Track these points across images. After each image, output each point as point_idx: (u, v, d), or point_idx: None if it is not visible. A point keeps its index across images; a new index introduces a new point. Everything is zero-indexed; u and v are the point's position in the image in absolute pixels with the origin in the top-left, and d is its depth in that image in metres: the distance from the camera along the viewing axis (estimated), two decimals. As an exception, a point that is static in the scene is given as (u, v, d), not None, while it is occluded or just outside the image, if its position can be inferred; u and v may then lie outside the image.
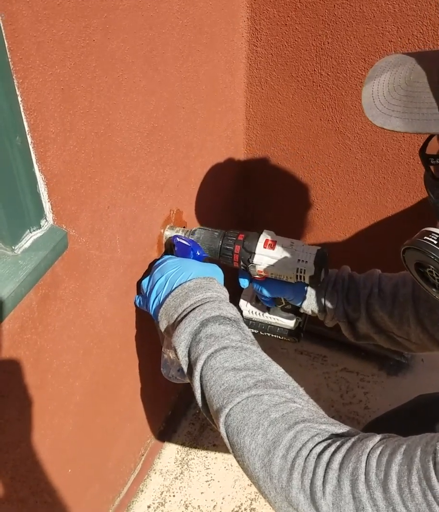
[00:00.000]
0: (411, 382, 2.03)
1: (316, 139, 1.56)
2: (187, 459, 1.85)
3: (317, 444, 0.86)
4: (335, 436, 0.88)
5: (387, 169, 1.54)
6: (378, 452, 0.81)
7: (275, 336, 1.40)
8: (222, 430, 0.94)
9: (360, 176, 1.58)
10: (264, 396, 0.93)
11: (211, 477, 1.81)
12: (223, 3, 1.27)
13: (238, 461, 0.93)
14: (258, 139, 1.62)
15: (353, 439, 0.85)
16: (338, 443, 0.85)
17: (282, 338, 1.41)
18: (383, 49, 1.32)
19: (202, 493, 1.78)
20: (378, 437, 0.85)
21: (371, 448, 0.82)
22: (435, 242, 0.83)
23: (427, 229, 0.85)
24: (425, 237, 0.84)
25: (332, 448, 0.85)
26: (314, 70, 1.42)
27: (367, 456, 0.81)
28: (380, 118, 0.79)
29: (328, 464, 0.83)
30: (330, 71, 1.41)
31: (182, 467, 1.83)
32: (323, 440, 0.87)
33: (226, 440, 0.94)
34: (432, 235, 0.84)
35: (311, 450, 0.86)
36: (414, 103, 0.76)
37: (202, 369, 0.99)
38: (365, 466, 0.80)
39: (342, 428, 0.90)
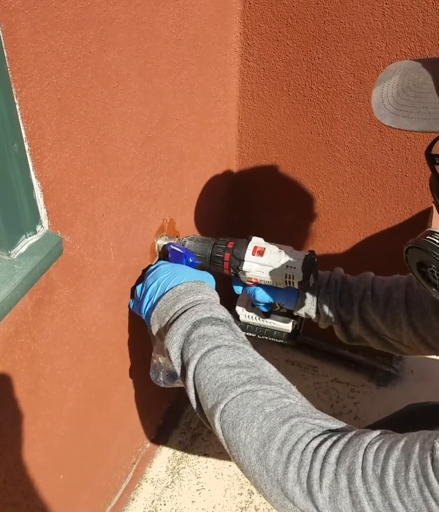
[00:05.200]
0: (400, 392, 2.04)
1: (307, 152, 1.59)
2: (178, 468, 1.86)
3: (313, 439, 0.88)
4: (330, 431, 0.90)
5: (376, 181, 1.57)
6: (375, 447, 0.83)
7: (272, 339, 1.41)
8: (217, 426, 0.95)
9: (350, 188, 1.61)
10: (258, 392, 0.95)
11: (202, 486, 1.82)
12: (217, 18, 1.31)
13: (233, 457, 0.95)
14: (250, 151, 1.65)
15: (350, 434, 0.87)
16: (334, 438, 0.87)
17: (280, 341, 1.42)
18: (372, 65, 1.36)
19: (193, 502, 1.79)
20: (375, 433, 0.87)
21: (369, 443, 0.84)
22: (438, 241, 0.84)
23: (430, 229, 0.86)
24: (428, 237, 0.85)
25: (328, 443, 0.87)
26: (305, 85, 1.46)
27: (364, 451, 0.83)
28: (388, 117, 0.81)
29: (325, 458, 0.85)
30: (321, 85, 1.44)
31: (173, 476, 1.84)
32: (319, 435, 0.89)
33: (221, 437, 0.95)
34: (435, 235, 0.85)
35: (307, 444, 0.88)
36: (421, 103, 0.78)
37: (195, 369, 1.01)
38: (362, 461, 0.82)
39: (336, 424, 0.92)
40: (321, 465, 0.85)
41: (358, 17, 1.30)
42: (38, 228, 0.97)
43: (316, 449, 0.87)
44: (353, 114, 1.46)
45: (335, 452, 0.85)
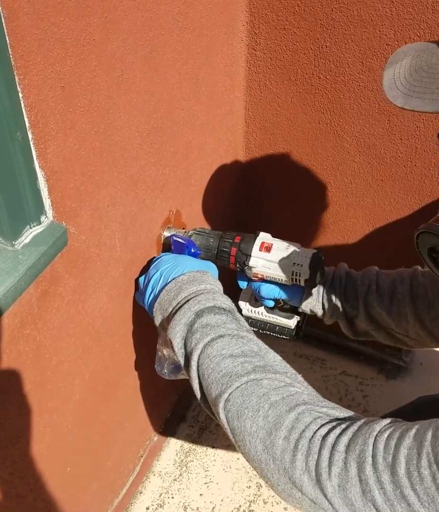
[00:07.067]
0: (409, 385, 2.03)
1: (315, 142, 1.57)
2: (186, 461, 1.85)
3: (321, 427, 0.87)
4: (338, 420, 0.89)
5: (385, 172, 1.55)
6: (386, 435, 0.82)
7: (274, 334, 1.41)
8: (222, 416, 0.94)
9: (358, 179, 1.60)
10: (263, 380, 0.94)
11: (210, 479, 1.82)
12: (223, 6, 1.29)
13: (239, 446, 0.93)
14: (257, 142, 1.64)
15: (359, 423, 0.86)
16: (343, 426, 0.86)
17: (282, 336, 1.41)
18: (380, 52, 1.34)
19: (201, 495, 1.78)
20: (385, 421, 0.85)
21: (379, 432, 0.83)
22: None
23: None
24: None
25: (337, 431, 0.85)
26: (313, 74, 1.44)
27: (375, 439, 0.82)
28: (400, 99, 0.79)
29: (334, 446, 0.84)
30: (329, 74, 1.43)
31: (181, 469, 1.84)
32: (326, 423, 0.88)
33: (226, 426, 0.94)
34: None
35: (315, 432, 0.86)
36: (435, 84, 0.77)
37: (199, 358, 1.00)
38: (373, 449, 0.81)
39: (344, 413, 0.91)
40: (330, 453, 0.84)
41: (366, 4, 1.28)
42: (43, 218, 0.96)
43: (324, 437, 0.85)
44: (362, 103, 1.44)
45: (344, 440, 0.84)
